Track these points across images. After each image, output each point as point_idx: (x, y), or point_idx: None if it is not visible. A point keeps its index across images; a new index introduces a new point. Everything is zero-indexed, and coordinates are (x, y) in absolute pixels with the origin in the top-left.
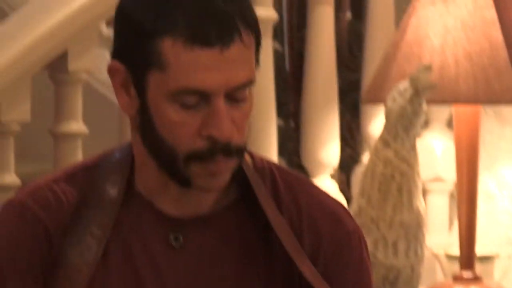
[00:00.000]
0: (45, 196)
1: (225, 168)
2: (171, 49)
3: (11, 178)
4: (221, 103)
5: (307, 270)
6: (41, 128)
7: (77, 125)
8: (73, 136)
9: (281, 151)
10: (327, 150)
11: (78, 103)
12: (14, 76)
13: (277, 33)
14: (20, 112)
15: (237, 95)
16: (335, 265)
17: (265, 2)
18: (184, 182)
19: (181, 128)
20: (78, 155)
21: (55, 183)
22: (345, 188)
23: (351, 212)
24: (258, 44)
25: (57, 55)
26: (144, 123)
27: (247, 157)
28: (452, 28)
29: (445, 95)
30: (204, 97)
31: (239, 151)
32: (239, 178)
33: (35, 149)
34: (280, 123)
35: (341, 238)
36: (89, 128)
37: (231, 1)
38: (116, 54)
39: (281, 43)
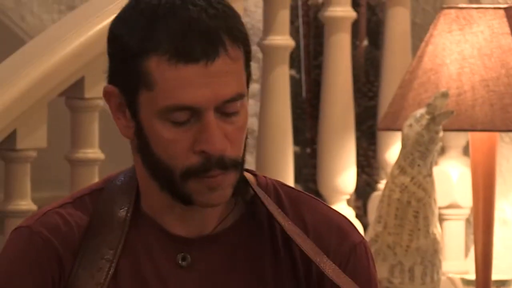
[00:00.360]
0: (53, 220)
1: (224, 182)
2: (157, 67)
3: (28, 205)
4: (211, 118)
5: (328, 266)
6: (58, 154)
7: (93, 152)
8: (89, 162)
9: (298, 177)
10: (343, 177)
11: (94, 129)
12: (31, 103)
13: (294, 60)
14: (37, 138)
15: (227, 109)
16: None
17: (282, 30)
18: (185, 199)
19: (175, 145)
20: (95, 181)
21: (63, 208)
22: (361, 214)
23: (368, 238)
24: (247, 57)
25: (74, 82)
26: (141, 144)
27: (249, 176)
28: (469, 55)
29: (462, 122)
30: (194, 113)
31: (235, 164)
32: (244, 194)
33: (51, 176)
34: (296, 150)
35: (347, 251)
36: (106, 153)
37: (216, 16)
38: (109, 77)
39: (298, 70)
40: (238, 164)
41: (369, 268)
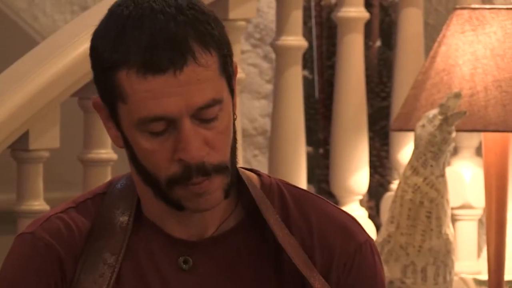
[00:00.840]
0: (56, 226)
1: (211, 188)
2: (127, 80)
3: (41, 205)
4: (186, 126)
5: (317, 280)
6: (70, 154)
7: (106, 152)
8: (102, 162)
9: (310, 178)
10: (356, 177)
11: None
12: (43, 104)
13: (307, 61)
14: (49, 139)
15: (204, 115)
16: (348, 278)
17: (295, 31)
18: (176, 206)
19: (155, 155)
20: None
21: (65, 213)
22: (374, 215)
23: (380, 239)
24: (224, 61)
25: (87, 82)
26: (130, 154)
27: (253, 176)
28: (482, 56)
29: (475, 122)
30: (170, 122)
31: (218, 168)
32: (244, 199)
33: (64, 176)
34: (309, 150)
35: (353, 250)
36: (118, 153)
37: (186, 22)
38: (96, 88)
39: (311, 71)
40: (222, 169)
41: (375, 267)
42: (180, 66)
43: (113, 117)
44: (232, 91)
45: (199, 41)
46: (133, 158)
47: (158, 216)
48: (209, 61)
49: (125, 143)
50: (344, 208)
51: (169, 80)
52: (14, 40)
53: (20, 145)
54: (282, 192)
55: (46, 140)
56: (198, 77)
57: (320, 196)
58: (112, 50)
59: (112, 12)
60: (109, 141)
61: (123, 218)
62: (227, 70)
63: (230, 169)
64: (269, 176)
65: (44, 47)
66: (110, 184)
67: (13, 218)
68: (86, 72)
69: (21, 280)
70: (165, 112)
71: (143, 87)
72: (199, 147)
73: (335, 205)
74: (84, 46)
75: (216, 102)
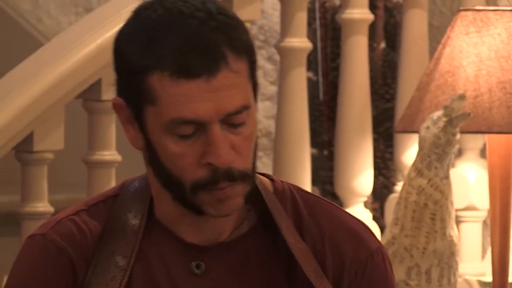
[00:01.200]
0: (67, 228)
1: (233, 194)
2: (159, 84)
3: (45, 207)
4: (216, 131)
5: None
6: (75, 156)
7: (110, 154)
8: (106, 164)
9: (315, 179)
10: (360, 179)
11: (111, 131)
12: (48, 105)
13: (312, 63)
14: (54, 140)
15: (233, 120)
16: (360, 285)
17: (299, 32)
18: (196, 210)
19: (183, 159)
20: (111, 183)
21: (77, 215)
22: (378, 216)
23: (384, 241)
24: (252, 67)
25: (91, 84)
26: (152, 157)
27: (266, 181)
28: (486, 57)
29: (479, 124)
30: (199, 126)
31: (244, 175)
32: (257, 204)
33: (68, 178)
34: (313, 152)
35: (364, 258)
36: (123, 156)
37: (217, 28)
38: (117, 91)
39: (315, 72)
40: (246, 175)
41: (386, 274)
42: (213, 72)
43: (137, 119)
44: (255, 97)
45: (231, 47)
46: (155, 161)
47: (172, 219)
48: (241, 67)
49: (147, 145)
50: (348, 210)
51: (201, 85)
52: (18, 42)
53: (24, 147)
54: (294, 197)
55: (51, 142)
56: (230, 83)
57: (332, 203)
58: (143, 54)
59: (139, 15)
60: (113, 142)
61: (135, 221)
62: (254, 76)
63: (252, 176)
64: (282, 181)
65: (48, 49)
66: (123, 186)
67: (17, 219)
68: (90, 74)
69: (32, 283)
70: (196, 116)
71: (176, 91)
72: (228, 152)
73: (347, 212)
74: (88, 48)
75: (245, 108)
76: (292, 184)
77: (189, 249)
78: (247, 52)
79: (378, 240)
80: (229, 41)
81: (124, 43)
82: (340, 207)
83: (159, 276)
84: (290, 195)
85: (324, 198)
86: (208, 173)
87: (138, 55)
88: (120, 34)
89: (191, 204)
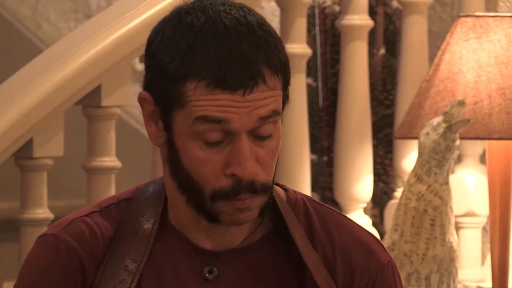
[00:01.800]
0: (79, 229)
1: (252, 205)
2: (193, 91)
3: (44, 213)
4: (244, 142)
5: None
6: (74, 162)
7: (110, 160)
8: (106, 170)
9: (314, 186)
10: (360, 185)
11: (111, 138)
12: (47, 111)
13: (311, 69)
14: (53, 147)
15: (261, 131)
16: None
17: (298, 39)
18: (212, 218)
19: (206, 165)
20: (111, 190)
21: (89, 217)
22: (378, 222)
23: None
24: (286, 82)
25: (91, 91)
26: (172, 157)
27: (280, 190)
28: (486, 63)
29: (478, 130)
30: (227, 134)
31: (265, 188)
32: (271, 212)
33: (68, 184)
34: (313, 158)
35: (375, 271)
36: (122, 162)
37: (257, 45)
38: (145, 85)
39: (315, 78)
40: (267, 188)
41: None
42: (250, 88)
43: (164, 119)
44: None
45: (269, 65)
46: (174, 162)
47: (185, 224)
48: (276, 83)
49: (169, 145)
50: (348, 216)
51: (236, 98)
52: (18, 48)
53: (24, 153)
54: (307, 208)
55: (50, 148)
56: (264, 97)
57: (344, 215)
58: (182, 62)
59: (180, 20)
60: (113, 149)
61: (148, 226)
62: (286, 93)
63: (272, 188)
64: (295, 191)
65: (48, 55)
66: (136, 190)
67: (17, 226)
68: (90, 80)
69: (42, 283)
70: (225, 119)
71: (209, 98)
72: (253, 164)
73: (358, 224)
74: (88, 54)
75: (276, 113)
76: (305, 195)
77: (201, 255)
78: (283, 69)
79: (389, 254)
80: (267, 59)
81: (163, 46)
82: (351, 220)
83: (170, 280)
84: (303, 205)
85: (336, 210)
86: (230, 183)
87: (176, 62)
88: (157, 35)
89: (207, 210)
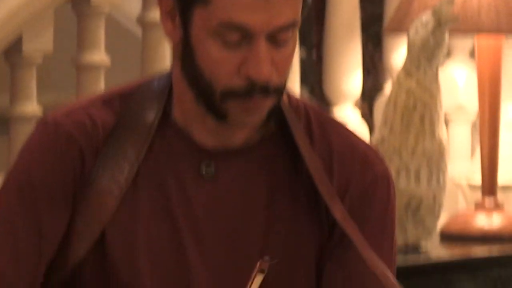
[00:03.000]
0: (80, 118)
1: (262, 106)
2: None
3: (33, 107)
4: (262, 44)
5: (338, 209)
6: (64, 59)
7: (99, 56)
8: (95, 66)
9: (304, 81)
10: (349, 80)
11: (100, 34)
12: (37, 8)
13: None
14: (43, 42)
15: (279, 37)
16: (360, 209)
17: None
18: (220, 116)
19: (221, 65)
20: (100, 86)
21: (91, 107)
22: (367, 117)
23: (374, 141)
24: None
25: None
26: (185, 54)
27: (283, 95)
28: None
29: (468, 25)
30: (246, 35)
31: (277, 91)
32: (276, 115)
33: (57, 79)
34: (302, 54)
35: (369, 180)
36: (112, 61)
37: None
38: None
39: None
40: (280, 91)
41: (388, 200)
42: None
43: (183, 16)
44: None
45: None
46: (188, 59)
47: (189, 121)
48: None
49: (184, 42)
50: (337, 110)
51: (259, 1)
52: None
53: (13, 49)
54: (308, 114)
55: (40, 43)
56: (286, 1)
57: (346, 125)
58: None
59: None
60: (102, 46)
61: (149, 118)
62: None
63: (283, 91)
64: (297, 99)
65: None
66: (139, 84)
67: (6, 121)
68: None
69: (40, 163)
70: (248, 23)
71: None
72: (269, 68)
73: (358, 135)
74: None
75: (293, 25)
76: (306, 102)
77: (200, 152)
78: None
79: (386, 166)
80: None
81: None
82: (352, 131)
83: (167, 174)
84: (304, 111)
85: (336, 118)
86: (244, 83)
87: None
88: None
89: (217, 109)
